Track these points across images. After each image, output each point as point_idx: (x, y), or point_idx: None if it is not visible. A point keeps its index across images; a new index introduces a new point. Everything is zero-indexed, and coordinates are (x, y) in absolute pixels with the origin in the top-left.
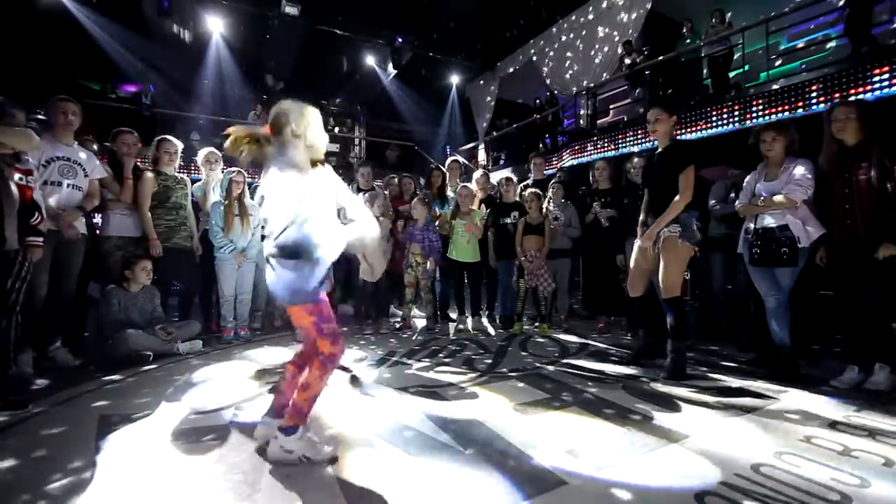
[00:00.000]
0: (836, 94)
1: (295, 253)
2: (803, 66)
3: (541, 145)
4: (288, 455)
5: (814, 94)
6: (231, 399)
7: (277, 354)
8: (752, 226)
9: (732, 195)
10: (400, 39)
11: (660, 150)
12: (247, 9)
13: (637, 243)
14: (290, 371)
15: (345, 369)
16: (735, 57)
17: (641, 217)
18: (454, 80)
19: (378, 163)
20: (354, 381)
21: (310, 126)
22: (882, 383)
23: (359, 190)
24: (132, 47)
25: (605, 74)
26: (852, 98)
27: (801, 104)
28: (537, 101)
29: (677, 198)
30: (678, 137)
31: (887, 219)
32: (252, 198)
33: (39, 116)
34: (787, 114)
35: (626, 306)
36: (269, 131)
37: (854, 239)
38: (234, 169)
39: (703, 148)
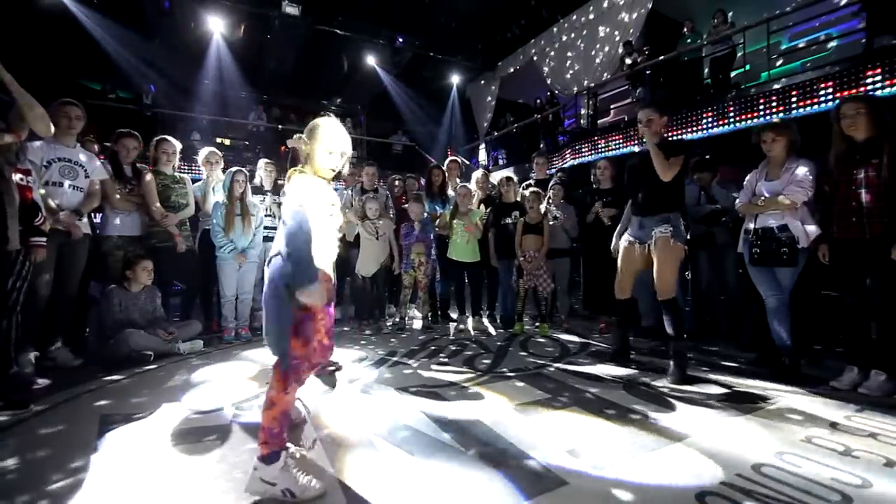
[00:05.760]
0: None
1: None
2: (808, 65)
3: (542, 145)
4: (269, 488)
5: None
6: (232, 399)
7: None
8: (751, 226)
9: (703, 197)
10: (400, 39)
11: (649, 148)
12: (247, 9)
13: (623, 244)
14: None
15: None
16: (736, 57)
17: (632, 218)
18: (454, 80)
19: (379, 163)
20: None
21: (318, 147)
22: (876, 389)
23: (362, 190)
24: (133, 47)
25: (605, 74)
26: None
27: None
28: (538, 101)
29: (665, 171)
30: (668, 138)
31: None
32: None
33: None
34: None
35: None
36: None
37: (859, 238)
38: (235, 168)
39: (704, 148)
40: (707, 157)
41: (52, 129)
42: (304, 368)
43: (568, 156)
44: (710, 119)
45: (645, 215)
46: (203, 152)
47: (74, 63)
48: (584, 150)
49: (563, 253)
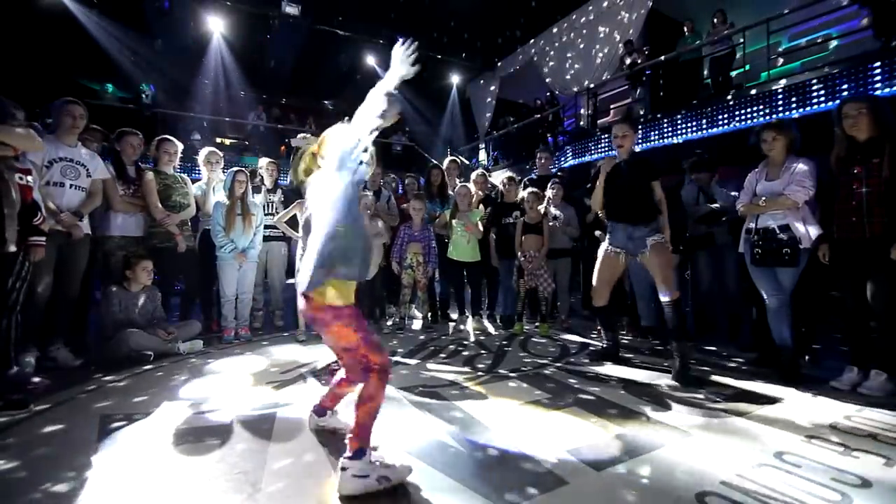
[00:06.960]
0: None
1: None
2: (806, 66)
3: (542, 145)
4: (365, 481)
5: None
6: (231, 399)
7: (278, 355)
8: (752, 226)
9: (701, 197)
10: (400, 39)
11: (623, 160)
12: (247, 9)
13: (608, 254)
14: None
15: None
16: (736, 57)
17: (616, 226)
18: (454, 80)
19: (379, 163)
20: None
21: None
22: (877, 389)
23: (364, 188)
24: (133, 47)
25: (605, 74)
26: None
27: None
28: (537, 101)
29: (662, 210)
30: (635, 150)
31: None
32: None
33: (45, 121)
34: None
35: (626, 306)
36: (317, 150)
37: (860, 238)
38: (237, 168)
39: (703, 148)
40: (705, 156)
41: (41, 141)
42: (390, 368)
43: (568, 156)
44: (709, 119)
45: (637, 224)
46: (203, 152)
47: (74, 63)
48: (584, 150)
49: (563, 253)
